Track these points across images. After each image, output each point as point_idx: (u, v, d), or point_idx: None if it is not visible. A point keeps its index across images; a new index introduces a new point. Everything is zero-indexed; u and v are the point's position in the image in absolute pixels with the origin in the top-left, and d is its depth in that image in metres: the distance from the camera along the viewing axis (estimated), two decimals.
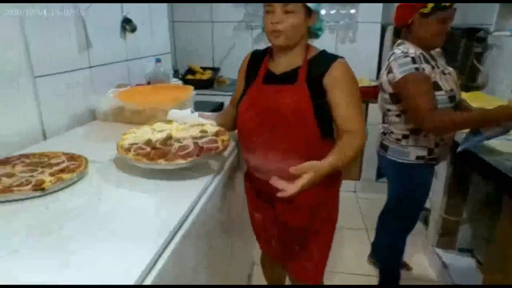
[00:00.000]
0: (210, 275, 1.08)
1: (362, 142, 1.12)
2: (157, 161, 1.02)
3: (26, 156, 1.13)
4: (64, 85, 1.52)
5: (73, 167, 1.04)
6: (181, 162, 1.02)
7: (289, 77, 1.19)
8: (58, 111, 1.49)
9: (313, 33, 1.25)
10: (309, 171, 0.94)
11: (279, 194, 0.92)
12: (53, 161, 1.08)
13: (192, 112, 1.38)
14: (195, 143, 1.11)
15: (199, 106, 1.90)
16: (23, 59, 1.31)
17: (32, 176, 0.97)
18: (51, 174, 0.99)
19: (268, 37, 1.17)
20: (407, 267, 2.16)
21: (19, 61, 1.30)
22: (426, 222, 2.36)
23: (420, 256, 2.29)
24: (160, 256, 0.72)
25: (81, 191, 0.97)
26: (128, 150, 1.10)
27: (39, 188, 0.91)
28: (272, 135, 1.19)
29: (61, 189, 0.96)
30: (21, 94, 1.32)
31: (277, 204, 1.33)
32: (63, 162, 1.06)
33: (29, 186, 0.91)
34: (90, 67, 1.69)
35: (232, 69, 3.39)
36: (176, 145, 1.10)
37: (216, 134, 1.20)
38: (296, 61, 1.20)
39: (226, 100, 2.94)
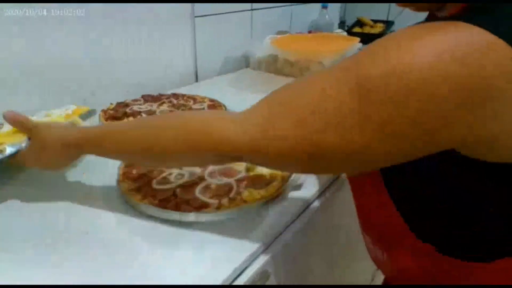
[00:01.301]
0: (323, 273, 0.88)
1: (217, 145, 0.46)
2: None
3: (176, 96, 1.11)
4: (222, 27, 1.45)
5: None
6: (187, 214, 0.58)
7: None
8: (212, 53, 1.44)
9: None
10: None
11: None
12: (194, 106, 1.03)
13: None
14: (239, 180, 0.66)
15: None
16: None
17: None
18: None
19: None
20: None
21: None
22: None
23: None
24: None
25: None
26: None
27: None
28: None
29: None
30: (180, 33, 1.29)
31: None
32: (203, 108, 1.00)
33: None
34: (252, 10, 1.58)
35: (408, 23, 2.90)
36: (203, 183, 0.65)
37: None
38: None
39: None
